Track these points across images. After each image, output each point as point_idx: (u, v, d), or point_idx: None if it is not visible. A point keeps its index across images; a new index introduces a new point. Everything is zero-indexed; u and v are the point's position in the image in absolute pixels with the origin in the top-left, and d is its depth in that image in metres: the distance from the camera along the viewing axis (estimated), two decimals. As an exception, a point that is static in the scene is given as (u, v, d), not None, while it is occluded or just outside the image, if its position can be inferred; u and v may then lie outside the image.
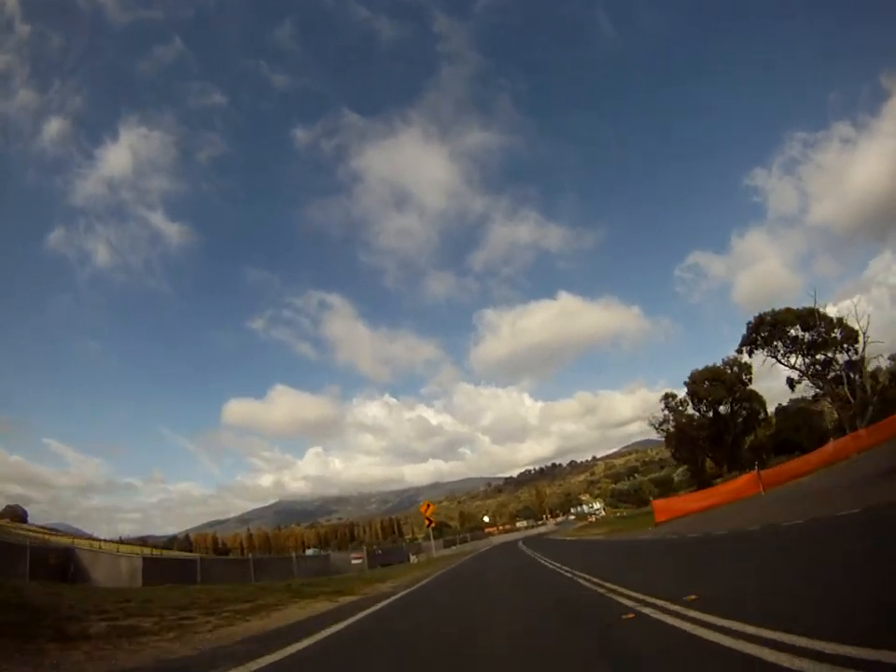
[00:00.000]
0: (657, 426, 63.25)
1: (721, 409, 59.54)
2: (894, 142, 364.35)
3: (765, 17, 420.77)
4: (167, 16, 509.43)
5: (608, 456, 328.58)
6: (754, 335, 51.31)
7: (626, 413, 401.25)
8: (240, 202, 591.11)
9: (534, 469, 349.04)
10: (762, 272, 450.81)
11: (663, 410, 63.58)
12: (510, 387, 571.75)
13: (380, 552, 45.93)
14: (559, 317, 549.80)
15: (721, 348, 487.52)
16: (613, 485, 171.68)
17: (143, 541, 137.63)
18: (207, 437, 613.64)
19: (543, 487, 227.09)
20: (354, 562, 37.38)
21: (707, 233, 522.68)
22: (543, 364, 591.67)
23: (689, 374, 60.50)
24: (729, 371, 58.71)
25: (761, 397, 60.16)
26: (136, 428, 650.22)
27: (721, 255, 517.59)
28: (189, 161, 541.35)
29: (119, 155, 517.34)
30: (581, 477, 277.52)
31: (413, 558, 40.94)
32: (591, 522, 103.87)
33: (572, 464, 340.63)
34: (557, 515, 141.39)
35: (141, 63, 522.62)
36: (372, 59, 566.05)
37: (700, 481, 60.48)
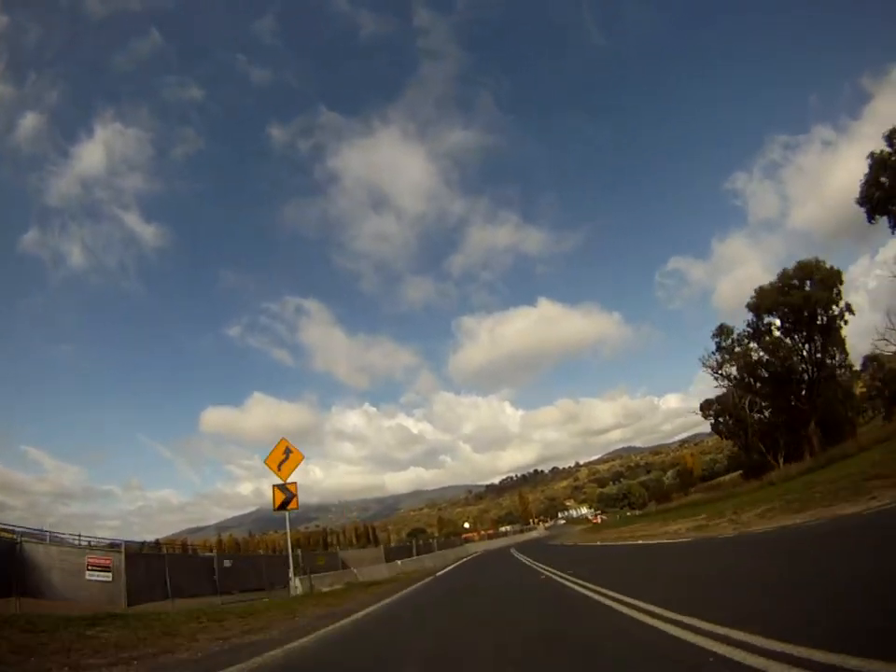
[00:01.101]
0: (714, 368, 49.80)
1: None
2: (875, 145, 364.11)
3: (746, 20, 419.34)
4: (145, 7, 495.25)
5: (590, 463, 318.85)
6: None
7: (608, 420, 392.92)
8: (215, 202, 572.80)
9: (516, 476, 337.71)
10: (742, 277, 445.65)
11: (713, 353, 50.23)
12: (490, 396, 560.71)
13: (228, 563, 26.09)
14: (539, 324, 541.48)
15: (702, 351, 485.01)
16: (600, 490, 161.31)
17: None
18: (185, 444, 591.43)
19: (526, 493, 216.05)
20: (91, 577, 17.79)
21: (688, 238, 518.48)
22: (523, 371, 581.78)
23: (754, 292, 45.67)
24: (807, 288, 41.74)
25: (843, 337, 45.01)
26: (114, 436, 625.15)
27: (701, 260, 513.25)
28: (163, 158, 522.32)
29: (94, 152, 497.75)
30: (565, 483, 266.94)
31: (295, 584, 18.30)
32: (594, 524, 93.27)
33: (554, 470, 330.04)
34: (545, 520, 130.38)
35: (118, 57, 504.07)
36: (352, 54, 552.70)
37: (756, 466, 49.08)
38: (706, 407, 57.56)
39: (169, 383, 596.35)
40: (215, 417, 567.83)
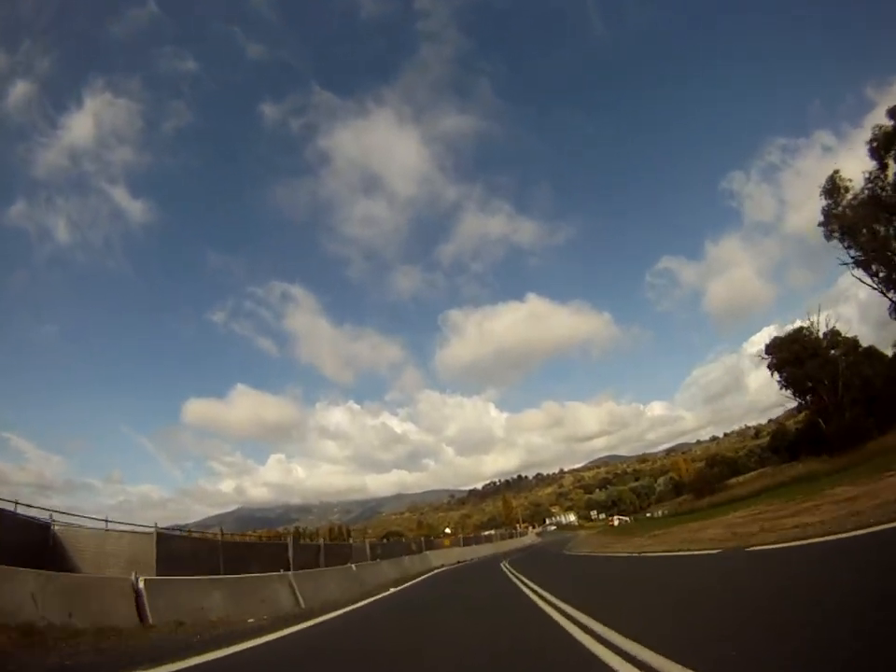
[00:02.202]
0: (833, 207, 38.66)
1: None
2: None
3: (752, 20, 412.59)
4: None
5: (575, 470, 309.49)
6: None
7: (593, 426, 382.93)
8: (203, 179, 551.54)
9: (499, 482, 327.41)
10: (734, 279, 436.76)
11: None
12: (475, 397, 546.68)
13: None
14: (527, 321, 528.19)
15: (691, 356, 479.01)
16: (588, 496, 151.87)
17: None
18: (167, 437, 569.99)
19: (511, 501, 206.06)
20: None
21: (680, 237, 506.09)
22: (509, 370, 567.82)
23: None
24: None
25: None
26: (95, 424, 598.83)
27: (693, 260, 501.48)
28: (153, 131, 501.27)
29: (83, 123, 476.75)
30: (549, 490, 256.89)
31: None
32: (611, 526, 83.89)
33: (538, 477, 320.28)
34: (534, 525, 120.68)
35: (112, 26, 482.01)
36: (350, 33, 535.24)
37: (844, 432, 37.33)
38: (775, 348, 47.10)
39: (152, 369, 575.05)
40: (197, 409, 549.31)
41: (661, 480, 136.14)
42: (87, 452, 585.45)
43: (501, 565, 22.92)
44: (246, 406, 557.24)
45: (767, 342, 48.83)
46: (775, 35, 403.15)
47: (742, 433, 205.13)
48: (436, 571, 26.29)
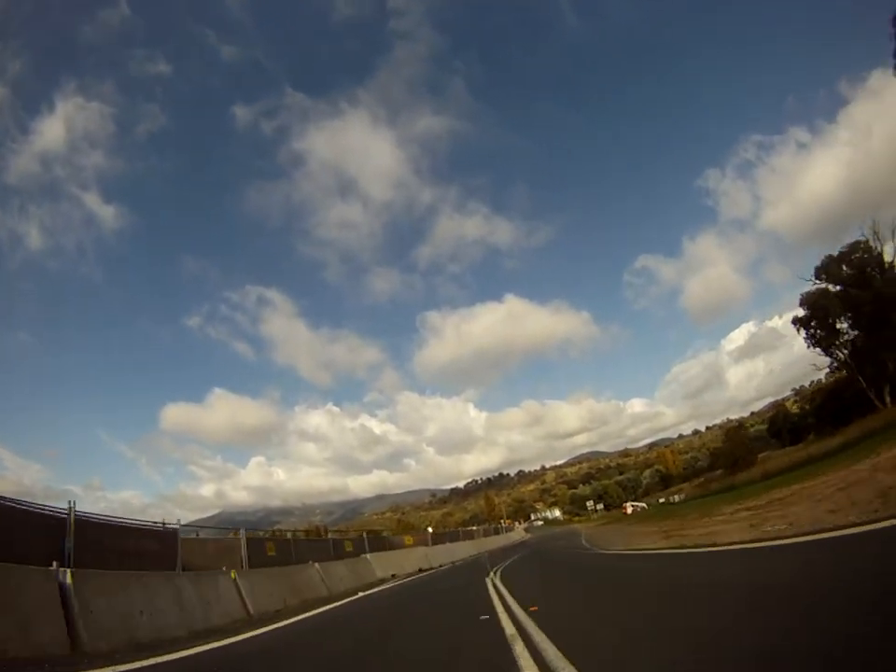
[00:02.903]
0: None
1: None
2: (849, 150, 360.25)
3: (726, 18, 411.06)
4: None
5: (556, 467, 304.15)
6: None
7: (573, 423, 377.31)
8: (176, 183, 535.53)
9: (481, 480, 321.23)
10: (711, 276, 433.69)
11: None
12: (454, 397, 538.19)
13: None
14: (505, 321, 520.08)
15: (670, 352, 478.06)
16: (572, 491, 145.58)
17: None
18: (146, 443, 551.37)
19: (493, 497, 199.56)
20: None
21: (657, 235, 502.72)
22: (488, 370, 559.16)
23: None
24: None
25: None
26: (74, 432, 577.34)
27: (670, 258, 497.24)
28: (126, 135, 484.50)
29: (55, 128, 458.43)
30: (531, 486, 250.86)
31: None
32: (628, 514, 75.57)
33: (520, 474, 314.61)
34: (519, 521, 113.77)
35: (84, 28, 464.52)
36: (323, 33, 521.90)
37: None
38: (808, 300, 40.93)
39: (129, 375, 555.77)
40: (176, 414, 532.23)
41: (647, 472, 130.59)
42: (66, 459, 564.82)
43: (489, 580, 12.91)
44: (225, 410, 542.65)
45: (818, 264, 40.80)
46: (749, 32, 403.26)
47: (724, 426, 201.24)
48: (367, 593, 15.81)
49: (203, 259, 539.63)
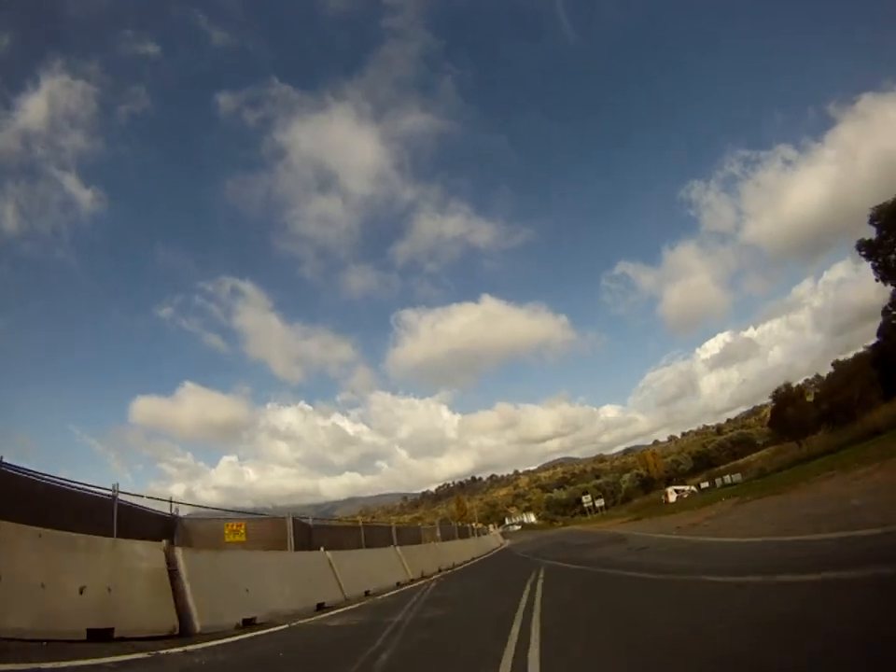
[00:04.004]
0: None
1: None
2: (833, 169, 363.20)
3: (718, 32, 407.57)
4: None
5: (530, 472, 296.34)
6: None
7: (546, 428, 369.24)
8: (155, 169, 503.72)
9: (452, 484, 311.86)
10: (690, 286, 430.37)
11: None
12: (427, 398, 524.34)
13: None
14: (481, 323, 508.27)
15: (645, 360, 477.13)
16: (548, 495, 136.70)
17: None
18: (116, 436, 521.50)
19: (464, 500, 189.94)
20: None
21: (637, 243, 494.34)
22: (462, 372, 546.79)
23: None
24: None
25: None
26: (42, 424, 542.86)
27: (650, 266, 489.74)
28: (108, 117, 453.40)
29: (38, 105, 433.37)
30: (504, 491, 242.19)
31: None
32: (670, 501, 62.20)
33: (493, 478, 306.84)
34: (494, 525, 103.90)
35: (75, 1, 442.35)
36: (315, 25, 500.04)
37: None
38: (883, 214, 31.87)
39: (99, 364, 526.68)
40: (145, 407, 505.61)
41: (626, 476, 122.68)
42: (34, 454, 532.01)
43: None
44: (195, 404, 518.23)
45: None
46: (741, 47, 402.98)
47: (701, 432, 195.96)
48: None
49: (179, 248, 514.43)
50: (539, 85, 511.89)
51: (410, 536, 23.72)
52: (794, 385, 57.47)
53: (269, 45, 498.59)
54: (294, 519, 14.87)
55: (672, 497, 64.93)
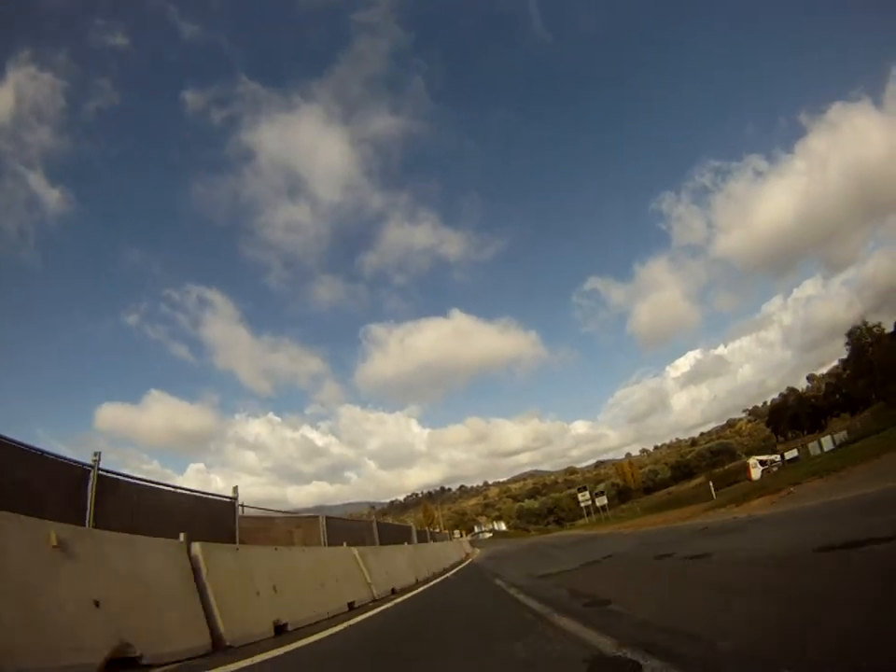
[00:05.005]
0: None
1: None
2: (803, 181, 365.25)
3: (690, 42, 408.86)
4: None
5: (500, 483, 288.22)
6: None
7: (517, 442, 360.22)
8: (122, 168, 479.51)
9: (421, 493, 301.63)
10: (660, 302, 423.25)
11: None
12: (397, 412, 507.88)
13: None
14: (451, 338, 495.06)
15: (615, 376, 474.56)
16: (519, 504, 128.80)
17: None
18: (81, 443, 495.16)
19: (433, 509, 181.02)
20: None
21: (608, 257, 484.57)
22: (432, 387, 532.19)
23: None
24: None
25: None
26: (6, 427, 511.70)
27: (620, 281, 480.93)
28: (75, 112, 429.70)
29: (5, 98, 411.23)
30: (474, 501, 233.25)
31: None
32: (753, 479, 43.40)
33: (462, 488, 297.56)
34: (462, 533, 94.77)
35: None
36: (286, 19, 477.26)
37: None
38: None
39: (64, 371, 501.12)
40: (111, 414, 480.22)
41: (601, 486, 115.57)
42: None
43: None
44: (162, 413, 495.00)
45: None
46: (713, 56, 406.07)
47: (674, 445, 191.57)
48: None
49: (145, 252, 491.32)
50: (509, 87, 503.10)
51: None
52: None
53: (240, 40, 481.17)
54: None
55: (756, 473, 45.23)
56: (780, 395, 49.89)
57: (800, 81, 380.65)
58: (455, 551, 32.75)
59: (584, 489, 66.67)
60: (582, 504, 63.83)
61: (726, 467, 75.88)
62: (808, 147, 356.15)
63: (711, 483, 36.06)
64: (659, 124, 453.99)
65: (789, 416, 67.50)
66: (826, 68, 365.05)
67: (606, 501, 56.69)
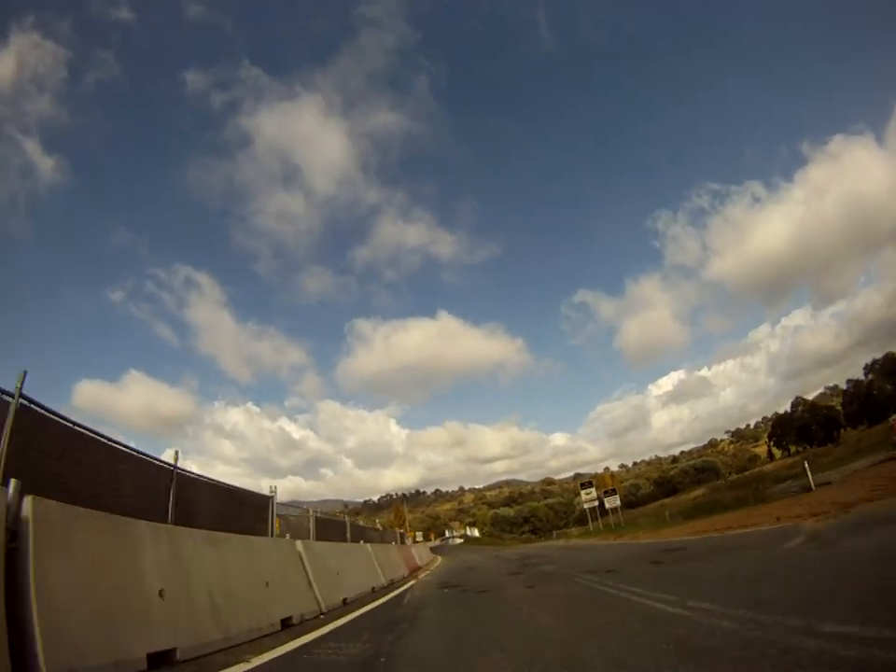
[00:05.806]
0: None
1: None
2: (800, 210, 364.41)
3: (696, 63, 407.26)
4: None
5: (475, 490, 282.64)
6: None
7: (495, 449, 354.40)
8: (117, 143, 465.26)
9: (396, 495, 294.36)
10: (650, 320, 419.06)
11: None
12: (377, 411, 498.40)
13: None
14: (437, 339, 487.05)
15: (598, 391, 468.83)
16: (494, 511, 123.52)
17: None
18: None
19: (405, 511, 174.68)
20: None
21: (599, 271, 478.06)
22: (414, 388, 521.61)
23: None
24: None
25: None
26: None
27: (610, 296, 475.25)
28: (75, 83, 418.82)
29: (7, 64, 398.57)
30: (448, 506, 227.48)
31: None
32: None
33: (437, 493, 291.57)
34: (431, 537, 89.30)
35: None
36: (293, 7, 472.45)
37: None
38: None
39: (42, 345, 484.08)
40: (89, 391, 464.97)
41: (580, 497, 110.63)
42: None
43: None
44: (140, 393, 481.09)
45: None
46: (719, 80, 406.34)
47: (654, 462, 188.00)
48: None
49: (135, 228, 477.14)
50: (511, 93, 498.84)
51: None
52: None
53: (245, 24, 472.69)
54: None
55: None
56: (777, 413, 45.49)
57: (804, 111, 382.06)
58: (386, 564, 16.28)
59: (590, 485, 53.15)
60: (586, 505, 50.71)
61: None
62: (808, 177, 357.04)
63: (806, 464, 19.76)
64: (660, 143, 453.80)
65: (797, 427, 63.18)
66: (831, 100, 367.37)
67: (618, 503, 45.84)
